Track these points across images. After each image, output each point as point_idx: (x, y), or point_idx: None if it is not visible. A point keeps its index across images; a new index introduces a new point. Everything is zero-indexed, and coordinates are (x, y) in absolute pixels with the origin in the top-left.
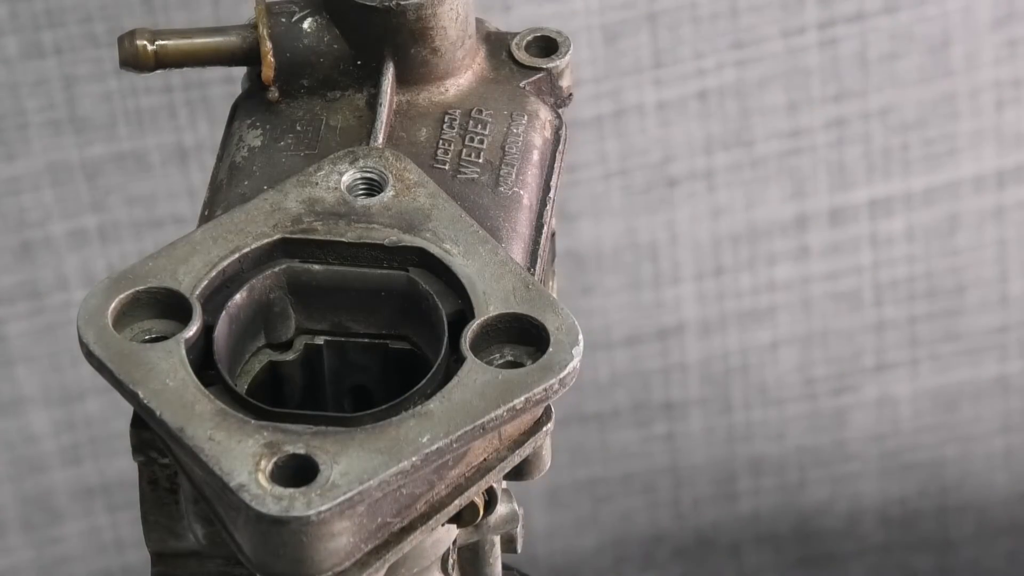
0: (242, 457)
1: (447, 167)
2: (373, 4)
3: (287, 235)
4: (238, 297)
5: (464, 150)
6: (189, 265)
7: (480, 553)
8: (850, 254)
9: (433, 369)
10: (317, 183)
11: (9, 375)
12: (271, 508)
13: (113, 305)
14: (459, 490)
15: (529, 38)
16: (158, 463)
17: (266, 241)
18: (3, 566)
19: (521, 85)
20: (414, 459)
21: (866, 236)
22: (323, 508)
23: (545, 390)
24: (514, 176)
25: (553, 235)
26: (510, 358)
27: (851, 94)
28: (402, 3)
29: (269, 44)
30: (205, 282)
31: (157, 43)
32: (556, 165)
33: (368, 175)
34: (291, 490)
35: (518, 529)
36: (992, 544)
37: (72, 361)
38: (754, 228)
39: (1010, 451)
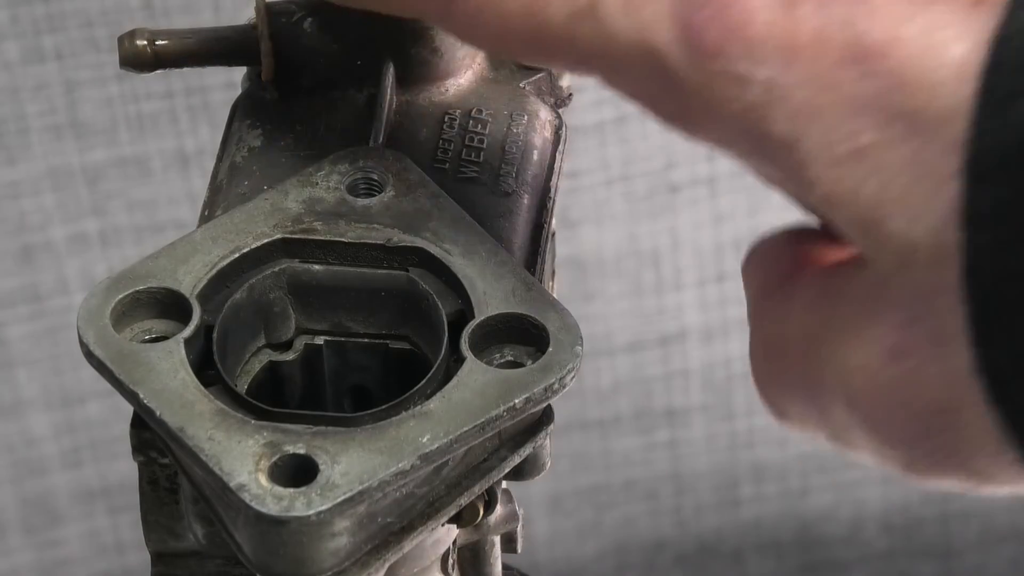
0: (242, 457)
1: (447, 167)
2: None
3: (287, 235)
4: (238, 297)
5: (464, 150)
6: (189, 265)
7: (480, 553)
8: None
9: (433, 369)
10: (317, 183)
11: (10, 378)
12: (271, 508)
13: (113, 305)
14: (459, 490)
15: None
16: (158, 463)
17: (266, 241)
18: (3, 568)
19: (521, 85)
20: (414, 459)
21: None
22: (323, 508)
23: (545, 390)
24: (514, 176)
25: (553, 235)
26: (510, 358)
27: None
28: None
29: (269, 44)
30: (205, 282)
31: (157, 43)
32: (556, 165)
33: (368, 175)
34: (291, 490)
35: (518, 529)
36: (994, 551)
37: (72, 364)
38: (756, 234)
39: None
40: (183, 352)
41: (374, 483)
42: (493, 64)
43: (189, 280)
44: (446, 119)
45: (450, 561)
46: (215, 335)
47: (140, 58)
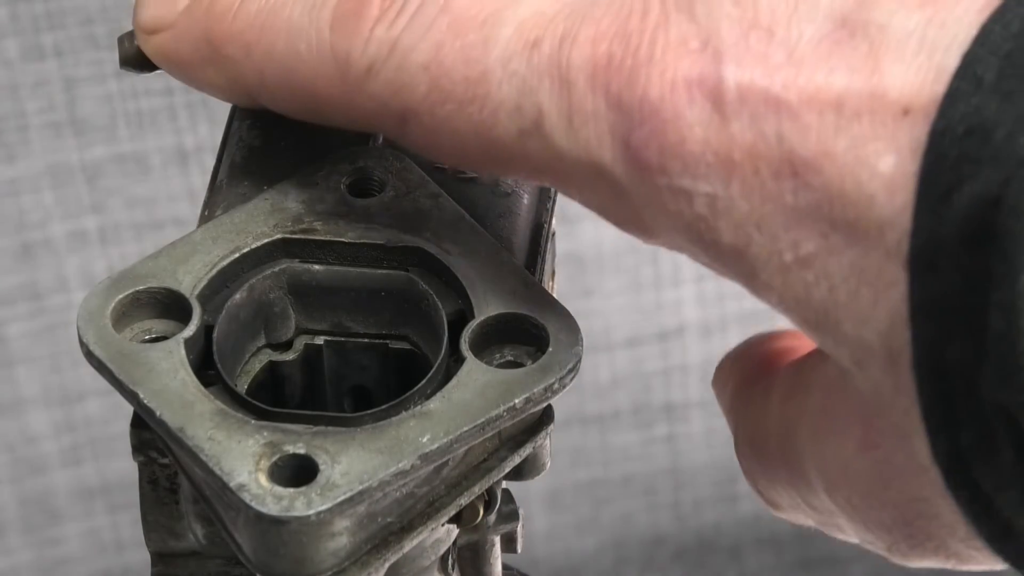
0: (242, 457)
1: (447, 167)
2: None
3: (287, 235)
4: (238, 297)
5: None
6: (189, 265)
7: (480, 553)
8: None
9: (433, 369)
10: (317, 183)
11: (9, 376)
12: (271, 508)
13: (113, 305)
14: (459, 490)
15: None
16: (158, 463)
17: (266, 241)
18: (3, 567)
19: None
20: (414, 459)
21: None
22: (323, 508)
23: (545, 390)
24: None
25: (553, 235)
26: (510, 358)
27: None
28: None
29: None
30: (205, 282)
31: None
32: None
33: (368, 175)
34: (291, 490)
35: (518, 529)
36: None
37: (72, 362)
38: None
39: None
40: (183, 352)
41: (374, 483)
42: None
43: (189, 280)
44: None
45: (450, 561)
46: (215, 335)
47: (140, 58)
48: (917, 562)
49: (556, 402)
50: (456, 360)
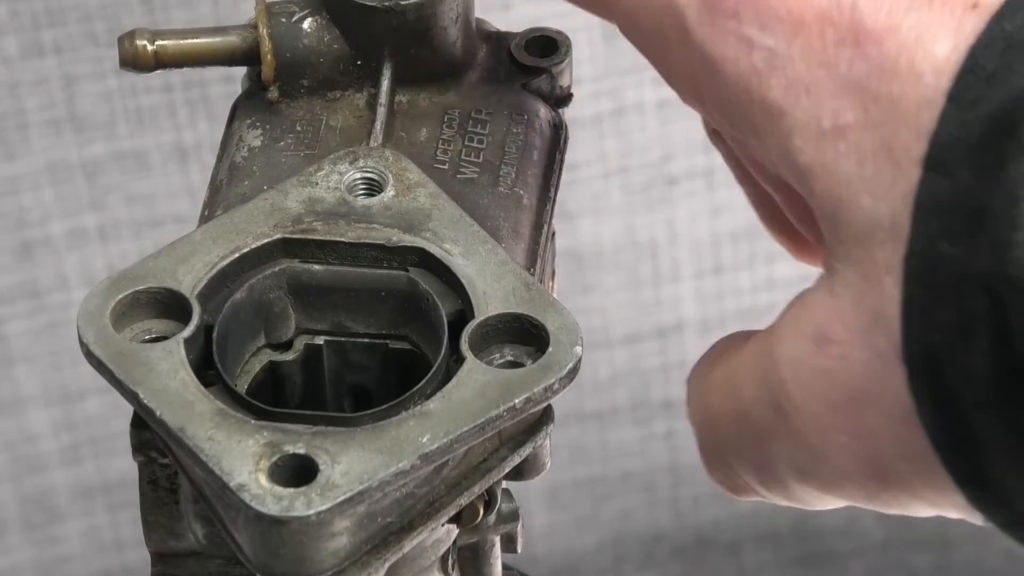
0: (242, 457)
1: (447, 167)
2: (373, 4)
3: (287, 235)
4: (238, 297)
5: (464, 150)
6: (189, 265)
7: (480, 553)
8: None
9: (433, 369)
10: (317, 183)
11: (9, 375)
12: (271, 508)
13: (113, 305)
14: (459, 490)
15: (529, 38)
16: (158, 463)
17: (266, 241)
18: (3, 566)
19: (521, 85)
20: (414, 459)
21: None
22: (323, 508)
23: (545, 390)
24: (514, 176)
25: (553, 235)
26: (510, 358)
27: None
28: (402, 3)
29: (269, 44)
30: (205, 282)
31: (157, 43)
32: (556, 165)
33: (368, 175)
34: (291, 490)
35: (518, 529)
36: (991, 542)
37: (72, 361)
38: (754, 226)
39: None
40: (183, 352)
41: (374, 483)
42: (493, 64)
43: (189, 280)
44: (446, 119)
45: (450, 561)
46: (215, 335)
47: (140, 59)
48: (884, 506)
49: (555, 399)
50: (456, 360)
